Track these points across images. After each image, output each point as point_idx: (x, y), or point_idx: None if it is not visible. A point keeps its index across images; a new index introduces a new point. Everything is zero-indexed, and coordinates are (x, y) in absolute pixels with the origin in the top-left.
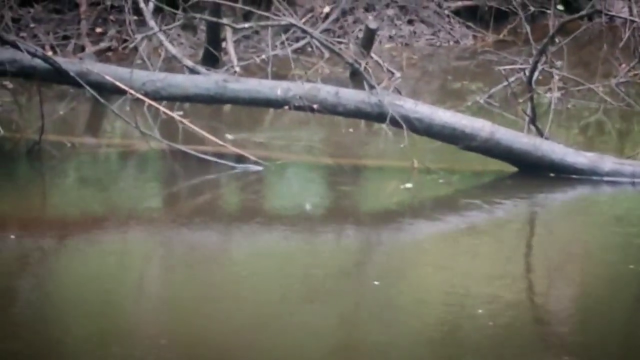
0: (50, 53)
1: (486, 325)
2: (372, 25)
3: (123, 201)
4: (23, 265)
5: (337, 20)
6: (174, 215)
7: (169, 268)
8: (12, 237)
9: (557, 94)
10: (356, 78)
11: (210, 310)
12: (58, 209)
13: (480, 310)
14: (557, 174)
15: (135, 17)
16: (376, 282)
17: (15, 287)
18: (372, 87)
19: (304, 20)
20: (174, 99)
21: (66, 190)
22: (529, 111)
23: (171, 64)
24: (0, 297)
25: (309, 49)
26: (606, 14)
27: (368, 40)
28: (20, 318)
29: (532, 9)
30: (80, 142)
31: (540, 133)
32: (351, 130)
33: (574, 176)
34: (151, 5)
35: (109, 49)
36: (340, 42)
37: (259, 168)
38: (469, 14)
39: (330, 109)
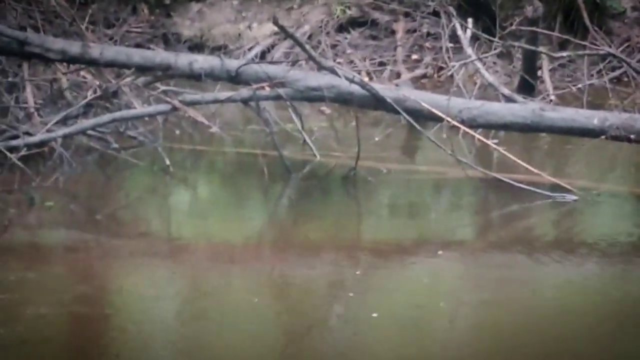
0: (366, 79)
1: None
2: None
3: (435, 228)
4: (333, 290)
5: None
6: (486, 243)
7: (480, 296)
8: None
9: None
10: None
11: (526, 340)
12: (371, 235)
13: None
14: None
15: (451, 45)
16: None
17: (323, 310)
18: None
19: (620, 49)
20: (489, 126)
21: (380, 216)
22: None
23: (485, 92)
24: (297, 319)
25: (625, 79)
26: None
27: None
28: (320, 343)
29: None
30: (396, 168)
31: None
32: None
33: None
34: (469, 32)
35: (424, 76)
36: None
37: (575, 198)
38: None
39: None
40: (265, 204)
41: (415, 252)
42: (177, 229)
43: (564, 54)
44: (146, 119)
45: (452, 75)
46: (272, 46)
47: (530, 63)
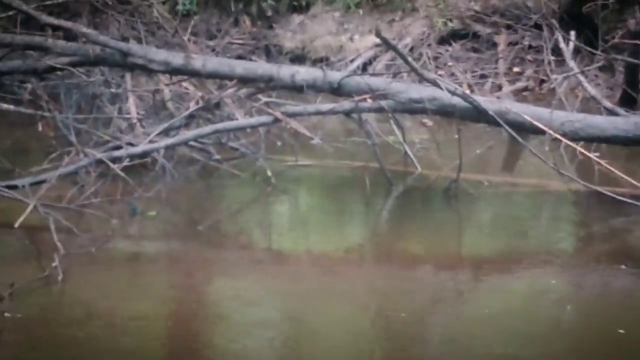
0: (467, 91)
1: None
2: None
3: (536, 241)
4: (436, 302)
5: None
6: (587, 257)
7: (580, 311)
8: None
9: None
10: None
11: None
12: (472, 248)
13: None
14: None
15: (553, 58)
16: None
17: (428, 323)
18: None
19: None
20: (591, 139)
21: (480, 228)
22: None
23: (587, 105)
24: (422, 332)
25: None
26: None
27: None
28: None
29: None
30: (497, 181)
31: None
32: None
33: None
34: (571, 45)
35: (525, 88)
36: None
37: None
38: None
39: None
40: (367, 216)
41: (512, 265)
42: (278, 241)
43: None
44: (248, 130)
45: (553, 88)
46: (374, 58)
47: (633, 76)
